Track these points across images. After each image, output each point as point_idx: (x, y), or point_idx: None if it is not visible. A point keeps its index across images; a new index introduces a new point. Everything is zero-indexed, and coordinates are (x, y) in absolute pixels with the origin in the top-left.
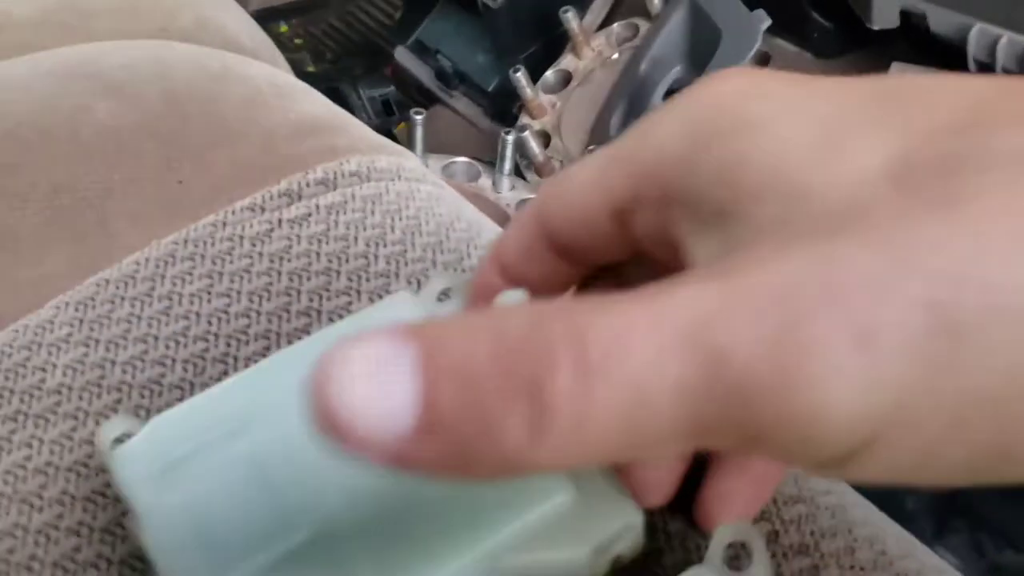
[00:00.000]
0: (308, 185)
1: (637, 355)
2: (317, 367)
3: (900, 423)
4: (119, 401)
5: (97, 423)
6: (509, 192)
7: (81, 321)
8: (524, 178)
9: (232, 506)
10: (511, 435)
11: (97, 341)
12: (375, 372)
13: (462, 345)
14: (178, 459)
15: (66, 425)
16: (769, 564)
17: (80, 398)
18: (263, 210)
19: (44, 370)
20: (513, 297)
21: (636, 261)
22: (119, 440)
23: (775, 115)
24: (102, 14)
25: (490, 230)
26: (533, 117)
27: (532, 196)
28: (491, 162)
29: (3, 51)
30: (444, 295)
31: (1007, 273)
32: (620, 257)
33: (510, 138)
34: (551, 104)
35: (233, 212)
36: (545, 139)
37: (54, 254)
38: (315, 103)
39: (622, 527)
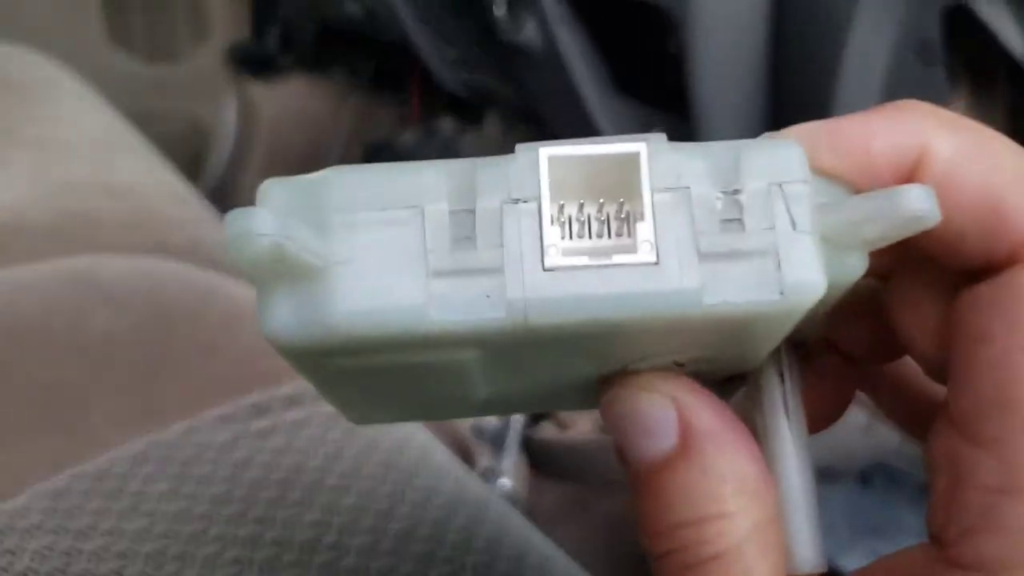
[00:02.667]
0: (277, 400)
1: None
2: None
3: None
4: None
5: None
6: None
7: (54, 510)
8: None
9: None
10: None
11: (67, 530)
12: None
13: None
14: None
15: None
16: None
17: None
18: (233, 420)
19: (13, 553)
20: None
21: None
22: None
23: None
24: (108, 227)
25: (441, 451)
26: None
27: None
28: None
29: (18, 254)
30: None
31: None
32: None
33: None
34: None
35: (205, 420)
36: None
37: (37, 445)
38: None
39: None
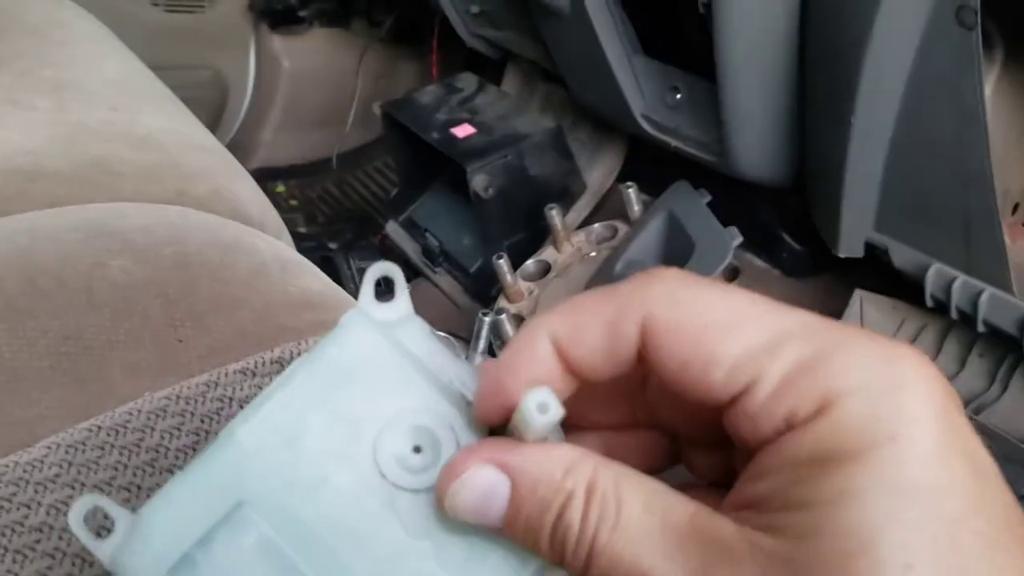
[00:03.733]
0: (300, 355)
1: None
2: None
3: None
4: None
5: (73, 564)
6: None
7: (70, 464)
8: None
9: None
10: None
11: (83, 484)
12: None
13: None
14: (184, 560)
15: (43, 563)
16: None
17: (60, 538)
18: (254, 375)
19: (29, 507)
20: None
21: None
22: (96, 523)
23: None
24: (127, 175)
25: None
26: (510, 301)
27: None
28: (466, 339)
29: (33, 202)
30: (383, 288)
31: None
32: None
33: (487, 319)
34: (528, 291)
35: (226, 374)
36: (520, 323)
37: (52, 396)
38: (314, 279)
39: None
